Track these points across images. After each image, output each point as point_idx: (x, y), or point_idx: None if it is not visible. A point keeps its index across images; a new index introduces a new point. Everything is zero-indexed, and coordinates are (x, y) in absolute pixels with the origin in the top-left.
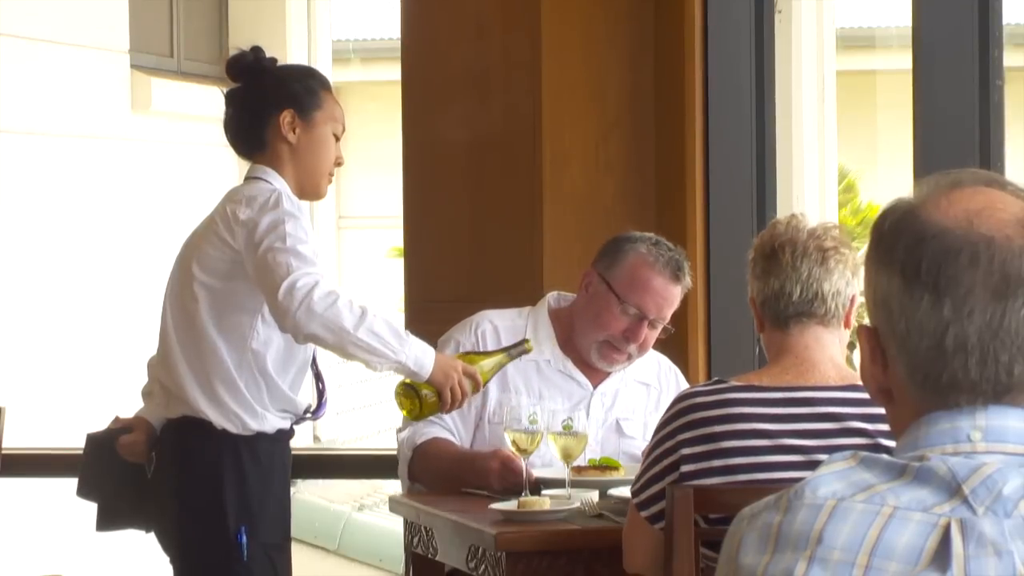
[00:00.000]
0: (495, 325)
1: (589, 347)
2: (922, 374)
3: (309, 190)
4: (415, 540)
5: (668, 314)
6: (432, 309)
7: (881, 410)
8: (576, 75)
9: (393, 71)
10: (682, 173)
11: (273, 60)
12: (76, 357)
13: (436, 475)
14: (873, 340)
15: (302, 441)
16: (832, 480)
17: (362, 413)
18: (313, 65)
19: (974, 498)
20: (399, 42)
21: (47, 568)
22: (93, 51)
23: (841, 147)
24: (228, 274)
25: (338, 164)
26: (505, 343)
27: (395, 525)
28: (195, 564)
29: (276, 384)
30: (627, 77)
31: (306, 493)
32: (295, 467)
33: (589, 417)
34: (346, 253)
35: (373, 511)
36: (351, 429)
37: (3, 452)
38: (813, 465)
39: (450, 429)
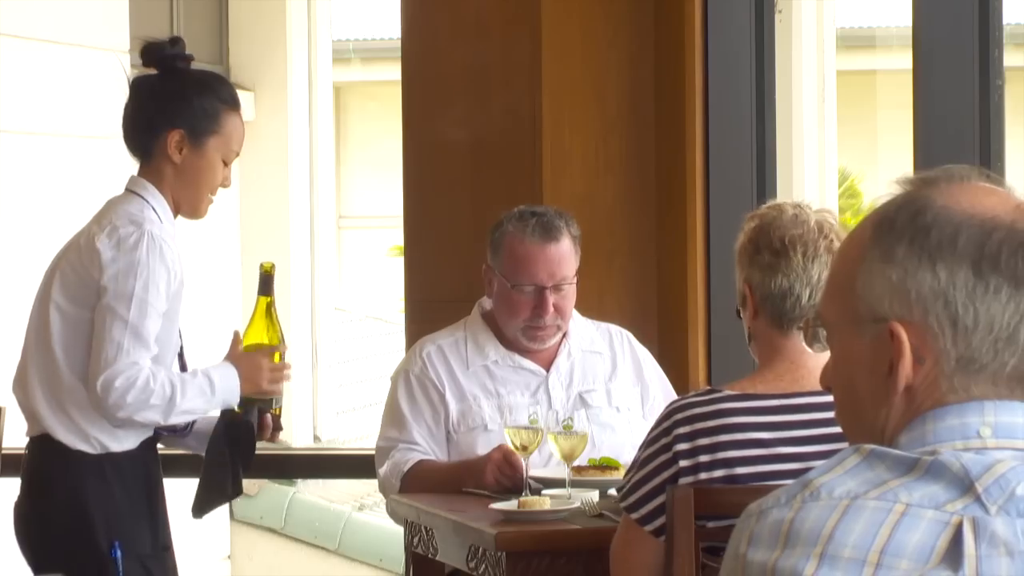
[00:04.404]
0: (438, 344)
1: (516, 335)
2: (978, 365)
3: (187, 211)
4: (415, 540)
5: (564, 273)
6: (432, 308)
7: None
8: (576, 75)
9: (393, 71)
10: (682, 173)
11: (188, 59)
12: None
13: (435, 490)
14: (909, 337)
15: (302, 441)
16: (847, 479)
17: (362, 413)
18: (313, 65)
19: (987, 497)
20: (399, 42)
21: None
22: (93, 51)
23: (841, 147)
24: (82, 301)
25: (224, 186)
26: (451, 358)
27: (395, 525)
28: None
29: None
30: (627, 77)
31: (306, 493)
32: (295, 467)
33: (552, 398)
34: (346, 253)
35: (373, 511)
36: (351, 429)
37: (3, 452)
38: None
39: (426, 451)
